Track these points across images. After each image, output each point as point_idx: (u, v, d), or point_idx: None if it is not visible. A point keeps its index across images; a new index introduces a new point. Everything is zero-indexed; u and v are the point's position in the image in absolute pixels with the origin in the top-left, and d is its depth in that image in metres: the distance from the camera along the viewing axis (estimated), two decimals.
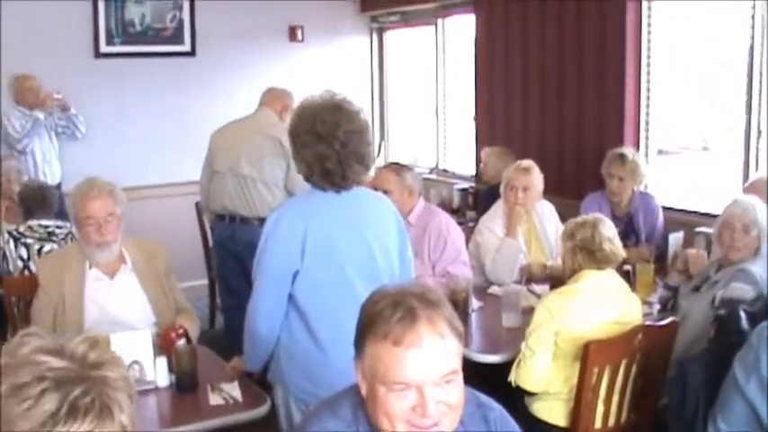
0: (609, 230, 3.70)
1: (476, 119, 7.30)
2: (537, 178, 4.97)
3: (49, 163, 7.03)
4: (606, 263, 3.68)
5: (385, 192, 4.50)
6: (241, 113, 5.96)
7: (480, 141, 7.14)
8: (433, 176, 7.95)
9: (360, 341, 1.94)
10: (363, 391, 1.97)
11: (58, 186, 6.70)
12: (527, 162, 5.04)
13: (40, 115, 6.91)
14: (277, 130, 5.51)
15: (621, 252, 3.75)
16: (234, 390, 3.26)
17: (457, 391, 1.91)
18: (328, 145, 3.13)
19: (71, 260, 3.91)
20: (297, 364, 3.29)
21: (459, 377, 1.92)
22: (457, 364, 1.90)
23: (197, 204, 6.59)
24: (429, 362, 1.86)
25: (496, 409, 2.17)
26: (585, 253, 3.67)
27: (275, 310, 3.26)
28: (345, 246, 3.25)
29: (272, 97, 5.79)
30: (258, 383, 3.48)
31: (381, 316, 1.88)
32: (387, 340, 1.86)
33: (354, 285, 3.23)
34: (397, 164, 4.77)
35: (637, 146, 5.93)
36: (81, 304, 3.83)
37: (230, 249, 5.52)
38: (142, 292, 3.93)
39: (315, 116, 3.16)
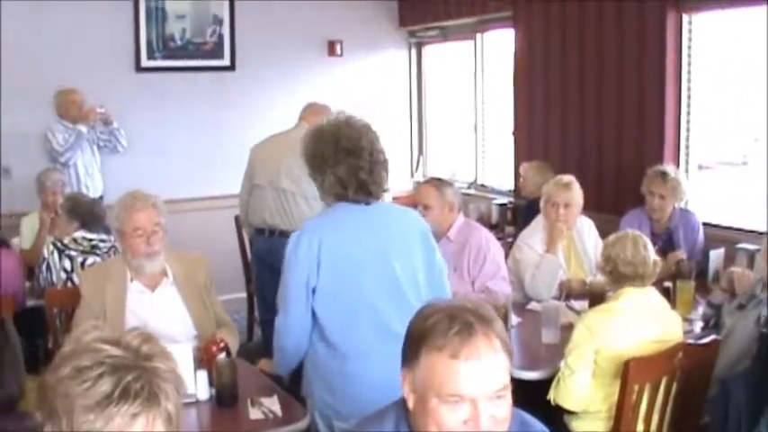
0: (643, 247, 3.68)
1: (514, 133, 7.28)
2: (578, 194, 4.94)
3: (91, 176, 7.12)
4: (644, 279, 3.66)
5: (425, 207, 4.52)
6: (280, 127, 5.99)
7: (519, 156, 7.12)
8: (472, 191, 7.94)
9: (411, 353, 1.96)
10: (410, 402, 1.98)
11: (100, 199, 6.78)
12: (568, 177, 5.01)
13: (83, 129, 7.00)
14: None
15: (656, 269, 3.71)
16: (274, 404, 3.26)
17: (507, 407, 1.93)
18: (358, 157, 3.26)
19: (114, 272, 3.95)
20: (319, 378, 3.35)
21: (509, 393, 1.94)
22: (508, 380, 1.93)
23: (236, 218, 6.63)
24: (484, 376, 1.89)
25: (537, 427, 2.18)
26: (619, 270, 3.65)
27: (300, 326, 3.31)
28: (363, 257, 3.29)
29: (312, 112, 5.82)
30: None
31: (437, 329, 1.91)
32: (443, 353, 1.89)
33: (371, 298, 3.29)
34: (437, 179, 4.77)
35: (677, 161, 5.89)
36: (122, 316, 3.87)
37: (269, 263, 5.54)
38: (183, 305, 3.97)
39: (337, 135, 3.28)
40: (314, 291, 3.26)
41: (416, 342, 1.95)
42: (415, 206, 4.71)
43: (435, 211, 4.53)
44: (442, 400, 1.89)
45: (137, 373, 1.59)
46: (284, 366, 3.50)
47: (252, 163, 5.73)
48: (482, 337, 1.90)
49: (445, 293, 3.51)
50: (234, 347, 3.76)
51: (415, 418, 1.98)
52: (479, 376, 1.88)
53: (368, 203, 3.32)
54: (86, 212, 5.07)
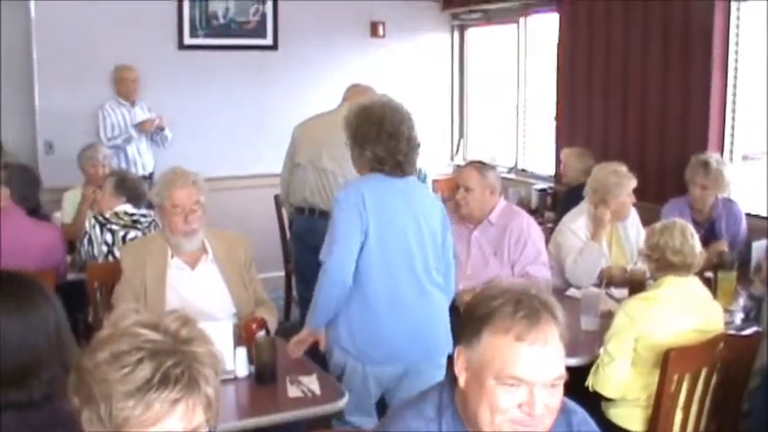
0: (690, 236, 3.64)
1: (556, 119, 7.24)
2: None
3: (141, 155, 7.16)
4: (687, 269, 3.62)
5: (466, 189, 4.51)
6: (321, 108, 5.97)
7: (560, 142, 7.07)
8: (512, 176, 7.90)
9: (470, 331, 1.96)
10: (462, 381, 1.99)
11: (150, 176, 6.84)
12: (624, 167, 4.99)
13: (134, 134, 7.05)
14: None
15: (701, 259, 3.68)
16: (312, 383, 3.27)
17: (559, 396, 1.94)
18: (398, 141, 3.67)
19: (154, 249, 3.98)
20: (352, 324, 3.70)
21: (562, 384, 1.94)
22: (564, 371, 1.94)
23: (276, 197, 6.64)
24: (546, 362, 1.90)
25: (579, 413, 2.17)
26: (668, 258, 3.61)
27: (346, 267, 3.61)
28: (401, 214, 3.71)
29: (356, 93, 5.81)
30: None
31: (503, 311, 1.91)
32: (508, 335, 1.89)
33: (409, 249, 3.71)
34: (480, 162, 4.74)
35: (721, 150, 5.82)
36: (162, 293, 3.89)
37: (308, 242, 5.53)
38: (223, 282, 3.99)
39: (381, 117, 3.69)
40: (366, 234, 3.60)
41: (479, 321, 1.94)
42: (455, 188, 4.71)
43: (477, 193, 4.52)
44: (500, 382, 1.89)
45: (176, 359, 1.59)
46: (321, 318, 3.70)
47: (294, 142, 5.73)
48: (547, 324, 1.91)
49: (451, 274, 3.96)
50: (272, 326, 3.76)
51: (466, 397, 1.98)
52: (541, 362, 1.89)
53: (401, 177, 3.73)
54: (133, 188, 5.10)
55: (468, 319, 1.99)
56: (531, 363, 1.88)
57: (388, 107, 3.74)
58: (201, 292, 3.92)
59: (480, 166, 4.65)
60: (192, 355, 1.61)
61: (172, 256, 3.95)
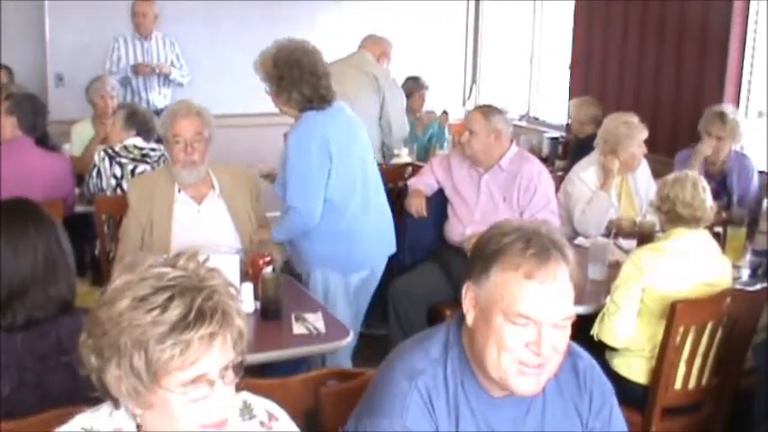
0: (702, 190, 3.61)
1: (571, 67, 7.16)
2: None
3: (148, 90, 7.10)
4: (698, 222, 3.60)
5: (470, 132, 4.47)
6: (336, 48, 5.92)
7: (574, 91, 7.01)
8: (523, 124, 7.85)
9: (479, 268, 1.94)
10: (470, 318, 1.97)
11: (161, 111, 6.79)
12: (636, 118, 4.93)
13: (131, 74, 6.95)
14: (373, 68, 5.54)
15: (711, 213, 3.65)
16: (318, 321, 3.27)
17: (567, 336, 1.93)
18: (318, 77, 3.98)
19: (161, 183, 3.96)
20: (322, 244, 4.09)
21: (570, 325, 1.92)
22: (573, 311, 1.92)
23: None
24: (555, 301, 1.87)
25: (586, 358, 2.16)
26: (678, 211, 3.58)
27: (317, 212, 4.00)
28: (353, 143, 4.13)
29: (372, 42, 5.82)
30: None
31: (513, 248, 1.89)
32: (518, 272, 1.87)
33: (366, 170, 4.20)
34: (487, 106, 4.68)
35: (737, 104, 5.75)
36: (168, 227, 3.89)
37: None
38: (229, 217, 3.99)
39: (299, 61, 3.97)
40: (329, 169, 3.99)
41: (488, 258, 1.92)
42: (463, 132, 4.67)
43: (480, 136, 4.47)
44: (508, 319, 1.88)
45: (206, 293, 1.56)
46: (287, 237, 4.12)
47: None
48: (557, 263, 1.88)
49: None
50: (278, 264, 3.76)
51: (473, 335, 1.97)
52: (550, 301, 1.87)
53: (329, 106, 4.05)
54: (143, 122, 5.08)
55: (478, 255, 1.97)
56: (539, 301, 1.87)
57: (300, 50, 4.01)
58: (208, 227, 3.92)
59: (487, 109, 4.59)
60: (217, 290, 1.59)
61: (179, 191, 3.94)
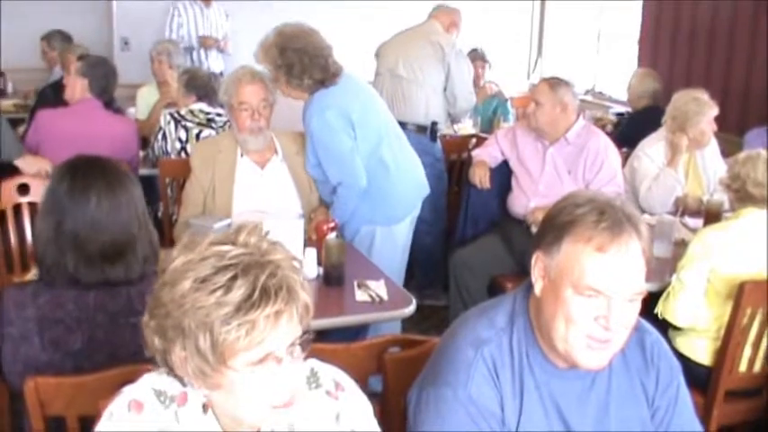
0: None
1: (640, 42, 7.03)
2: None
3: (207, 57, 7.16)
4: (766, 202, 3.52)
5: (536, 103, 4.43)
6: (399, 23, 5.91)
7: (642, 66, 6.88)
8: (589, 98, 7.75)
9: (551, 238, 1.91)
10: (538, 288, 1.95)
11: (220, 75, 6.82)
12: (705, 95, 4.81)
13: (196, 45, 7.03)
14: (440, 37, 5.50)
15: None
16: (380, 288, 3.26)
17: (636, 311, 1.89)
18: (324, 57, 3.95)
19: (225, 147, 3.98)
20: (368, 203, 4.10)
21: (640, 301, 1.89)
22: (644, 287, 1.88)
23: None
24: (627, 275, 1.84)
25: (654, 334, 2.12)
26: (748, 190, 3.51)
27: (363, 180, 4.04)
28: (374, 109, 4.20)
29: (442, 12, 5.78)
30: None
31: (586, 220, 1.86)
32: (589, 244, 1.84)
33: (389, 128, 4.26)
34: (555, 78, 4.62)
35: None
36: (230, 191, 3.91)
37: None
38: (292, 183, 4.00)
39: (304, 47, 3.92)
40: (356, 139, 4.02)
41: (560, 228, 1.89)
42: (529, 103, 4.63)
43: (546, 107, 4.42)
44: (578, 292, 1.85)
45: (270, 270, 1.52)
46: (347, 213, 4.06)
47: (377, 54, 5.70)
48: (630, 237, 1.84)
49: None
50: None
51: (541, 306, 1.95)
52: (621, 275, 1.83)
53: (332, 85, 4.01)
54: (202, 86, 5.11)
55: (550, 225, 1.94)
56: (611, 275, 1.83)
57: (301, 34, 3.98)
58: (270, 192, 3.94)
59: (554, 81, 4.53)
60: (280, 265, 1.54)
61: (241, 155, 3.96)
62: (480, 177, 4.70)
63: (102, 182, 2.38)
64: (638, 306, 1.89)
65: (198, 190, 3.95)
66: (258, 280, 1.49)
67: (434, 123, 5.43)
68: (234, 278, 1.49)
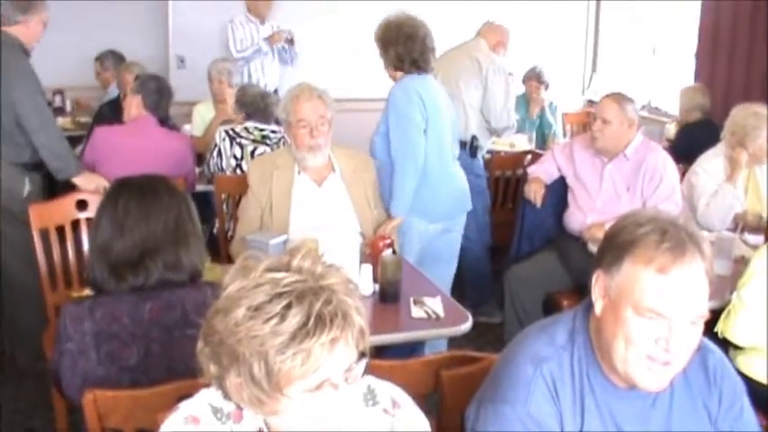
0: None
1: (697, 56, 6.94)
2: None
3: (264, 72, 7.20)
4: None
5: (604, 121, 4.39)
6: (451, 34, 5.89)
7: (699, 81, 6.79)
8: (644, 113, 7.66)
9: (611, 258, 1.89)
10: (598, 307, 1.92)
11: (275, 92, 6.87)
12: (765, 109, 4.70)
13: (264, 47, 7.09)
14: (480, 54, 5.49)
15: None
16: (436, 305, 3.24)
17: (699, 334, 1.86)
18: (414, 41, 4.36)
19: (282, 164, 3.98)
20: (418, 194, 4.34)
21: (702, 323, 1.85)
22: (707, 309, 1.84)
23: None
24: (689, 298, 1.81)
25: (716, 353, 2.08)
26: None
27: (423, 155, 4.31)
28: (442, 109, 4.46)
29: (490, 30, 5.74)
30: None
31: (648, 240, 1.83)
32: (651, 265, 1.81)
33: (446, 136, 4.50)
34: (620, 94, 4.57)
35: None
36: (287, 208, 3.91)
37: None
38: (349, 200, 3.98)
39: (401, 24, 4.39)
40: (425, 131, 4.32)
41: (621, 248, 1.87)
42: (592, 120, 4.56)
43: (614, 126, 4.38)
44: (638, 313, 1.82)
45: (325, 296, 1.50)
46: (407, 200, 4.29)
47: None
48: (692, 258, 1.81)
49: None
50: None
51: (601, 325, 1.92)
52: (683, 297, 1.80)
53: (419, 74, 4.39)
54: (251, 103, 5.13)
55: (610, 244, 1.91)
56: (672, 297, 1.80)
57: (407, 17, 4.45)
58: (327, 209, 3.92)
59: (620, 97, 4.49)
60: (334, 290, 1.53)
61: (299, 172, 3.96)
62: (535, 193, 4.68)
63: (134, 189, 2.46)
64: (700, 328, 1.85)
65: (255, 206, 3.96)
66: (313, 308, 1.48)
67: (474, 139, 5.40)
68: (288, 306, 1.48)
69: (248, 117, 5.08)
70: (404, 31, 4.37)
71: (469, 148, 5.39)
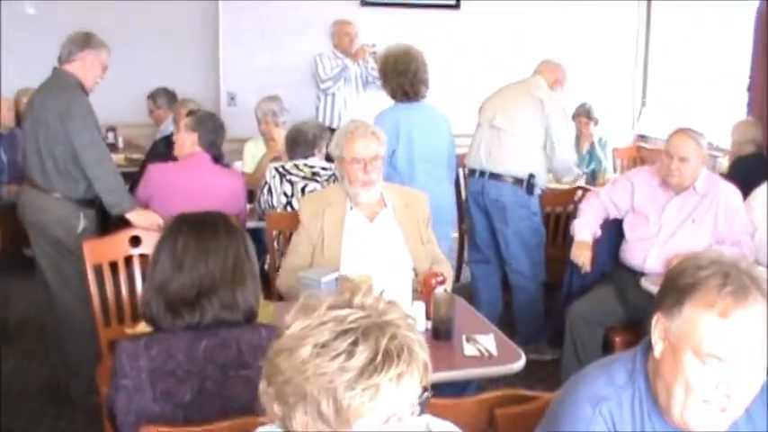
0: None
1: (749, 90, 6.87)
2: None
3: (347, 108, 7.27)
4: None
5: (681, 159, 4.33)
6: (500, 71, 5.92)
7: (753, 113, 6.70)
8: None
9: (672, 301, 1.85)
10: (658, 350, 1.88)
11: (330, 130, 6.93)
12: None
13: (350, 63, 7.17)
14: (541, 92, 5.45)
15: None
16: (489, 343, 3.20)
17: (762, 380, 1.81)
18: (405, 76, 5.13)
19: (334, 200, 3.99)
20: None
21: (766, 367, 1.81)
22: None
23: None
24: (751, 342, 1.76)
25: None
26: None
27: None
28: (418, 132, 5.12)
29: (547, 68, 5.72)
30: None
31: (709, 283, 1.79)
32: (712, 309, 1.77)
33: (430, 156, 5.19)
34: (691, 130, 4.49)
35: None
36: (339, 244, 3.91)
37: (480, 204, 5.50)
38: (401, 237, 3.97)
39: (396, 61, 5.15)
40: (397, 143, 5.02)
41: (682, 291, 1.83)
42: (668, 158, 4.43)
43: (692, 163, 4.33)
44: (699, 358, 1.78)
45: (390, 332, 1.51)
46: None
47: (480, 108, 5.71)
48: (755, 302, 1.76)
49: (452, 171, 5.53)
50: (448, 285, 3.75)
51: (659, 368, 1.88)
52: (746, 342, 1.75)
53: (409, 102, 5.18)
54: (289, 140, 5.16)
55: (671, 286, 1.88)
56: (733, 341, 1.75)
57: (403, 51, 5.18)
58: (379, 245, 3.92)
59: (694, 134, 4.40)
60: (398, 325, 1.54)
61: (351, 208, 3.96)
62: (584, 261, 4.66)
63: (193, 226, 2.47)
64: (762, 373, 1.80)
65: (306, 242, 3.97)
66: (380, 343, 1.49)
67: (531, 176, 5.36)
68: (355, 343, 1.49)
69: (294, 154, 5.10)
70: (398, 67, 5.11)
71: (526, 185, 5.35)
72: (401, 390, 1.50)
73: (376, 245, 3.91)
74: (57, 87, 4.45)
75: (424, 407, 1.58)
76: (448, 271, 3.98)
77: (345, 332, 1.50)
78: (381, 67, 5.24)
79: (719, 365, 1.76)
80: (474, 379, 3.34)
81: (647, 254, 4.41)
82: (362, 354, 1.47)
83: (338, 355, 1.48)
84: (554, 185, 6.01)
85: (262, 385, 1.60)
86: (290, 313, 1.59)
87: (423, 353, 1.55)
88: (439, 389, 3.06)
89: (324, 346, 1.49)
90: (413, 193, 4.17)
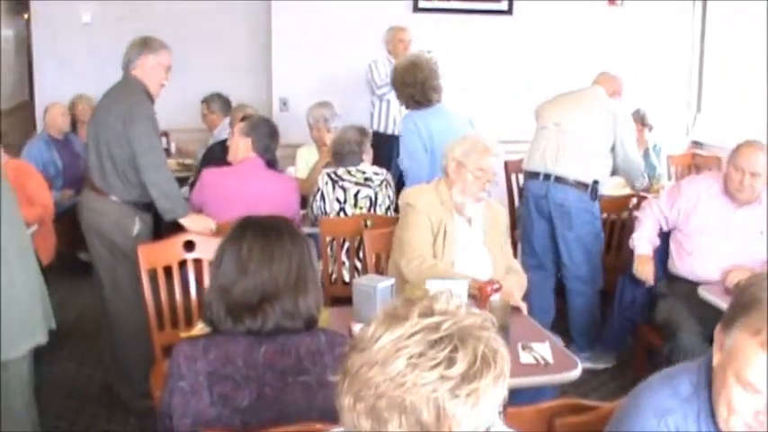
0: None
1: None
2: None
3: (402, 115, 7.29)
4: None
5: (753, 174, 4.26)
6: (553, 77, 5.88)
7: None
8: None
9: (730, 316, 1.82)
10: (716, 359, 1.85)
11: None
12: None
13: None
14: (610, 105, 5.43)
15: None
16: (545, 351, 3.18)
17: None
18: (413, 87, 5.31)
19: (444, 199, 4.09)
20: None
21: None
22: None
23: (506, 163, 6.59)
24: None
25: None
26: None
27: (423, 166, 5.12)
28: (440, 133, 5.04)
29: (606, 80, 5.73)
30: None
31: (760, 308, 1.75)
32: (756, 338, 1.73)
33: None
34: (759, 142, 4.42)
35: None
36: (446, 244, 4.02)
37: (542, 207, 5.43)
38: (484, 246, 4.08)
39: (404, 73, 5.35)
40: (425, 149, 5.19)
41: (739, 308, 1.80)
42: (740, 173, 4.35)
43: (764, 178, 4.28)
44: (739, 383, 1.75)
45: (484, 337, 1.50)
46: None
47: (537, 110, 5.67)
48: None
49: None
50: (519, 295, 3.82)
51: (715, 379, 1.86)
52: None
53: (422, 108, 5.33)
54: (335, 154, 5.17)
55: (735, 299, 1.84)
56: None
57: (411, 63, 5.39)
58: (467, 253, 4.02)
59: (762, 147, 4.34)
60: (486, 327, 1.54)
61: (455, 212, 4.08)
62: (647, 276, 4.62)
63: (258, 230, 2.46)
64: None
65: (425, 229, 4.02)
66: (477, 349, 1.48)
67: (596, 182, 5.31)
68: (454, 350, 1.47)
69: (339, 163, 5.09)
70: (405, 80, 5.33)
71: (591, 191, 5.31)
72: (497, 391, 1.50)
73: (466, 252, 4.04)
74: (122, 92, 4.51)
75: (503, 412, 1.58)
76: (523, 280, 4.07)
77: (441, 340, 1.48)
78: (392, 81, 5.53)
79: (758, 394, 1.72)
80: (549, 386, 3.30)
81: (709, 265, 4.35)
82: (463, 361, 1.46)
83: (438, 364, 1.45)
84: (609, 193, 5.95)
85: (347, 402, 1.54)
86: (374, 323, 1.56)
87: (507, 354, 1.55)
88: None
89: (420, 355, 1.47)
90: (497, 207, 4.29)
